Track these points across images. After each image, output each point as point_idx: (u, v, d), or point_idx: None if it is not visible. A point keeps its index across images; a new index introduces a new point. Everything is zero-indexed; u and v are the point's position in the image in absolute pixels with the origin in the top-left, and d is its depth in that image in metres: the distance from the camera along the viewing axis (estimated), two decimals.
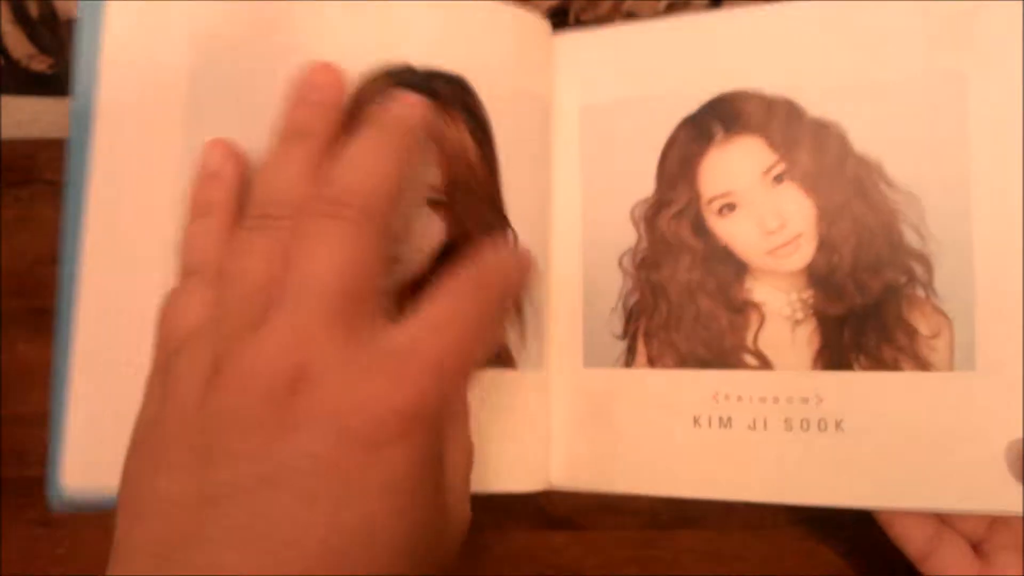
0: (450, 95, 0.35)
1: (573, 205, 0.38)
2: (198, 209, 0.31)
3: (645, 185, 0.37)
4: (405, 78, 0.35)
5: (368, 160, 0.28)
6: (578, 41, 0.38)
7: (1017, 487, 0.32)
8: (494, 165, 0.35)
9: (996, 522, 0.35)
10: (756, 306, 0.35)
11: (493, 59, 0.36)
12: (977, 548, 0.35)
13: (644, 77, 0.38)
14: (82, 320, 0.32)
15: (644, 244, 0.37)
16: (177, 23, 0.33)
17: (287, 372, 0.24)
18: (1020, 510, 0.32)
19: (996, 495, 0.32)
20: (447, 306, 0.26)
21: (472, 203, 0.35)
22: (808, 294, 0.35)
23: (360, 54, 0.34)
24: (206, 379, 0.24)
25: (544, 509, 0.42)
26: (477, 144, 0.35)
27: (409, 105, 0.31)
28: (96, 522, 0.32)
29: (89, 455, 0.31)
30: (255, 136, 0.31)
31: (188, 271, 0.29)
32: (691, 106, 0.37)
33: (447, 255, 0.34)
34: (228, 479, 0.23)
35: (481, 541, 0.40)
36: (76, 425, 0.31)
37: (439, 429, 0.26)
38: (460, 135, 0.35)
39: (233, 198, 0.30)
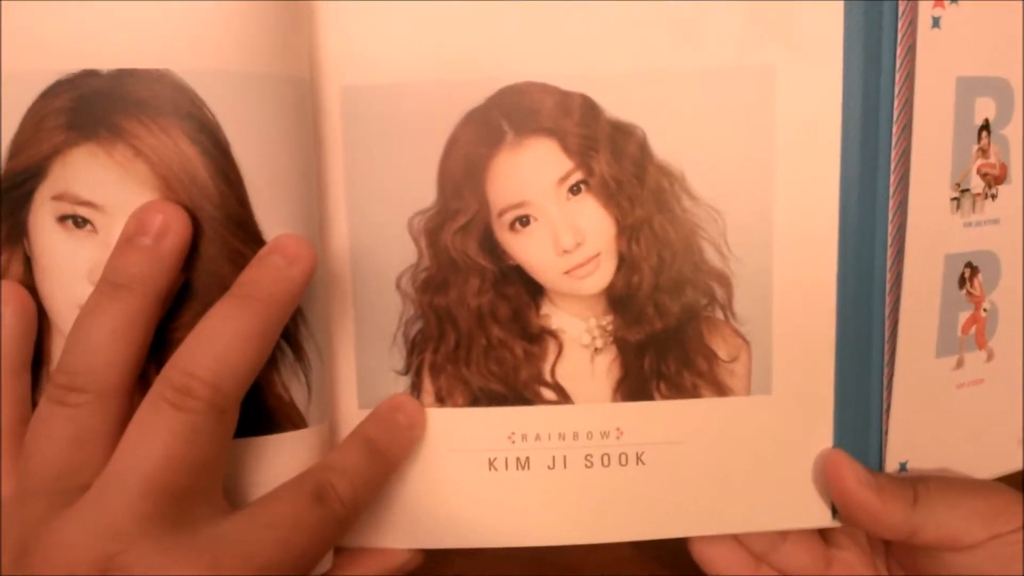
0: (154, 99, 0.27)
1: (336, 213, 0.31)
2: None
3: (424, 192, 0.31)
4: (87, 87, 0.26)
5: (228, 343, 0.25)
6: (342, 9, 0.31)
7: (823, 502, 0.32)
8: (233, 176, 0.27)
9: (831, 563, 0.35)
10: (553, 334, 0.32)
11: (206, 41, 0.27)
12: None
13: (421, 58, 0.31)
14: None
15: (426, 262, 0.31)
16: None
17: (91, 564, 0.23)
18: (831, 523, 0.32)
19: (805, 512, 0.32)
20: (281, 505, 0.26)
21: (212, 232, 0.27)
22: (607, 320, 0.32)
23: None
24: (12, 564, 0.23)
25: None
26: (204, 154, 0.27)
27: (290, 266, 0.26)
28: None
29: None
30: None
31: None
32: (475, 98, 0.31)
33: (185, 300, 0.27)
34: None
35: None
36: None
37: None
38: (178, 148, 0.27)
39: (14, 348, 0.27)
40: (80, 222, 0.27)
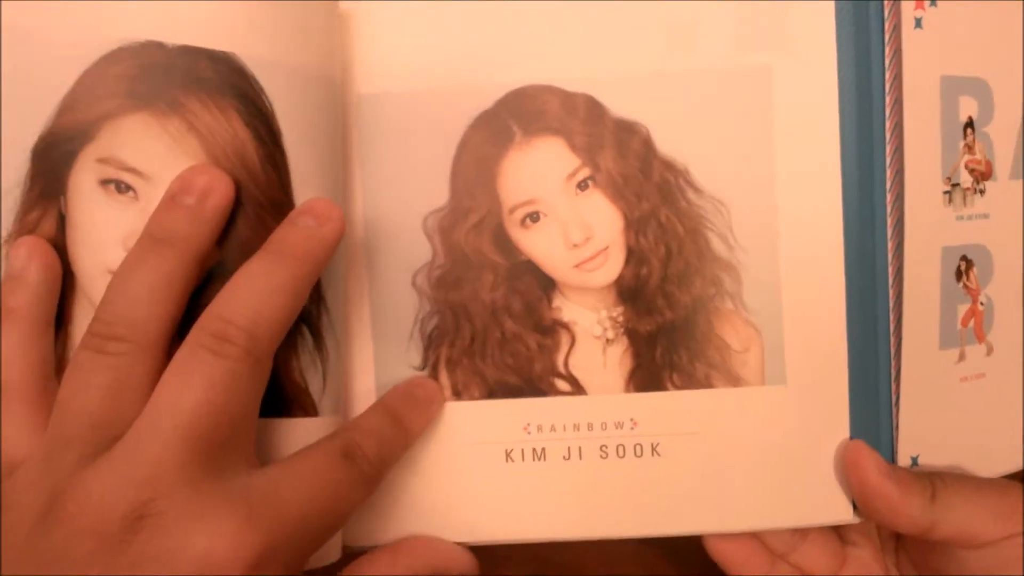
0: (216, 78, 0.28)
1: (352, 214, 0.32)
2: None
3: (438, 192, 0.32)
4: (151, 58, 0.27)
5: (262, 294, 0.25)
6: (357, 18, 0.32)
7: (844, 497, 0.32)
8: (281, 163, 0.29)
9: (845, 561, 0.35)
10: (566, 326, 0.32)
11: (268, 30, 0.28)
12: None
13: (431, 66, 0.32)
14: None
15: (441, 260, 0.32)
16: None
17: (126, 510, 0.22)
18: (851, 518, 0.32)
19: (826, 508, 0.32)
20: (312, 461, 0.26)
21: (253, 217, 0.28)
22: (618, 311, 0.32)
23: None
24: (39, 517, 0.23)
25: None
26: (256, 139, 0.28)
27: (321, 226, 0.27)
28: None
29: None
30: None
31: None
32: (484, 102, 0.32)
33: (219, 276, 0.27)
34: None
35: None
36: None
37: None
38: (232, 129, 0.28)
39: (39, 304, 0.27)
40: (123, 188, 0.28)
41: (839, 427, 0.32)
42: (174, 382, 0.24)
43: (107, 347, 0.24)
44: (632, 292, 0.32)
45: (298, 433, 0.29)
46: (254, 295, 0.25)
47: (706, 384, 0.32)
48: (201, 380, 0.24)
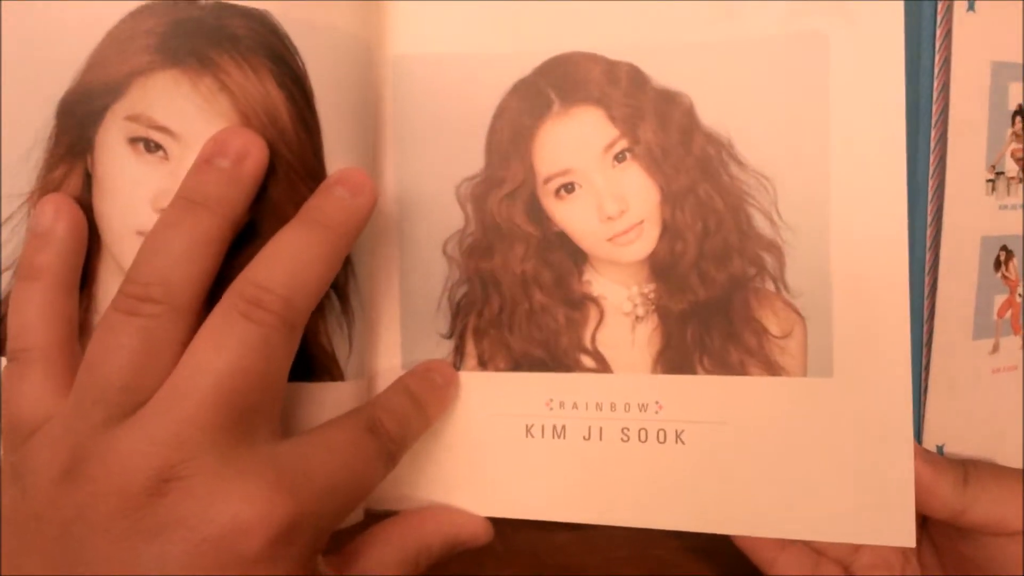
0: (249, 37, 0.27)
1: (385, 179, 0.32)
2: (21, 271, 0.27)
3: (472, 159, 0.32)
4: (183, 14, 0.26)
5: (298, 263, 0.25)
6: None
7: (907, 513, 0.29)
8: (313, 126, 0.28)
9: (861, 545, 0.34)
10: (595, 301, 0.32)
11: None
12: (846, 571, 0.34)
13: (469, 29, 0.32)
14: None
15: (472, 228, 0.32)
16: None
17: (152, 472, 0.22)
18: (910, 542, 0.29)
19: (878, 524, 0.29)
20: (338, 432, 0.26)
21: (284, 180, 0.27)
22: (650, 288, 0.32)
23: None
24: (62, 476, 0.22)
25: None
26: (289, 100, 0.27)
27: (355, 196, 0.26)
28: None
29: None
30: None
31: (16, 346, 0.26)
32: (523, 69, 0.31)
33: (249, 239, 0.27)
34: None
35: None
36: None
37: (316, 549, 0.24)
38: (265, 90, 0.27)
39: (64, 262, 0.27)
40: (152, 147, 0.27)
41: (899, 432, 0.29)
42: (207, 345, 0.24)
43: (141, 308, 0.24)
44: (666, 269, 0.31)
45: (325, 397, 0.28)
46: (290, 263, 0.25)
47: (739, 371, 0.30)
48: (235, 344, 0.23)
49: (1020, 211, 0.35)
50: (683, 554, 0.39)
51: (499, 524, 0.32)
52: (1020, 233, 0.35)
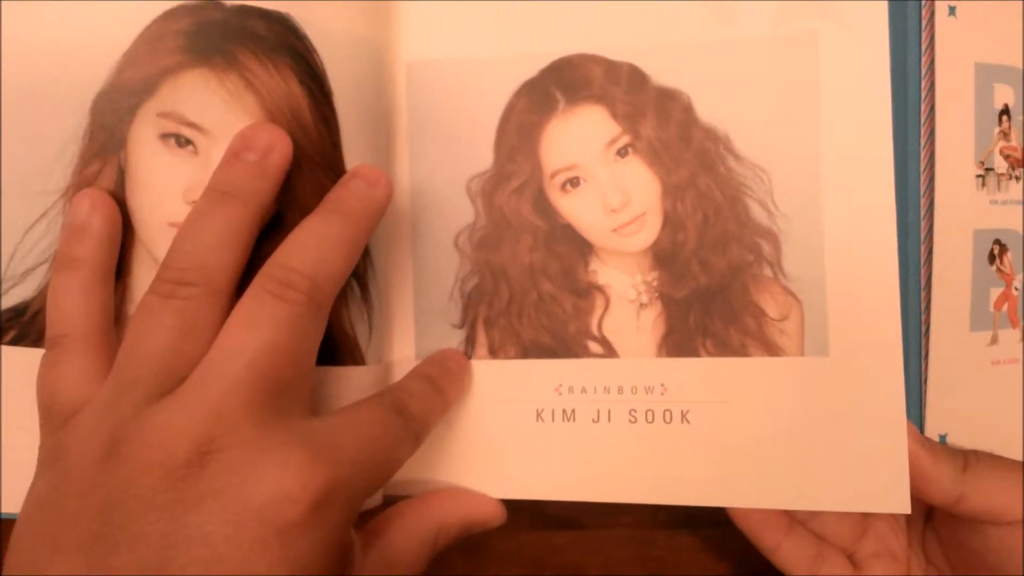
0: (272, 37, 0.29)
1: (399, 176, 0.33)
2: (59, 263, 0.28)
3: (482, 156, 0.33)
4: (209, 15, 0.28)
5: (323, 246, 0.26)
6: None
7: (901, 482, 0.30)
8: (332, 122, 0.30)
9: (865, 532, 0.35)
10: (601, 289, 0.33)
11: None
12: (850, 559, 0.35)
13: (478, 35, 0.34)
14: None
15: (482, 222, 0.33)
16: None
17: (192, 446, 0.22)
18: (906, 508, 0.30)
19: (874, 493, 0.30)
20: (366, 411, 0.27)
21: (306, 172, 0.29)
22: (653, 276, 0.33)
23: None
24: (103, 455, 0.23)
25: (545, 509, 0.38)
26: (310, 97, 0.29)
27: (372, 188, 0.28)
28: None
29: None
30: None
31: (55, 333, 0.27)
32: (530, 70, 0.33)
33: (275, 229, 0.28)
34: (127, 563, 0.21)
35: (482, 540, 0.36)
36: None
37: (350, 520, 0.25)
38: (287, 88, 0.29)
39: (101, 253, 0.28)
40: (183, 142, 0.29)
41: (892, 404, 0.30)
42: (240, 325, 0.25)
43: (178, 292, 0.25)
44: (668, 257, 0.33)
45: (348, 381, 0.30)
46: (315, 247, 0.26)
47: (741, 352, 0.32)
48: (267, 322, 0.24)
49: (1012, 206, 0.36)
50: (683, 554, 0.39)
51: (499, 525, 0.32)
52: (1012, 227, 0.36)
